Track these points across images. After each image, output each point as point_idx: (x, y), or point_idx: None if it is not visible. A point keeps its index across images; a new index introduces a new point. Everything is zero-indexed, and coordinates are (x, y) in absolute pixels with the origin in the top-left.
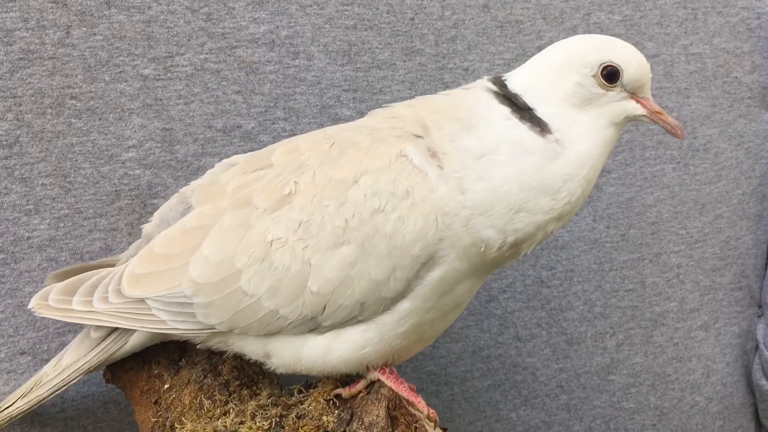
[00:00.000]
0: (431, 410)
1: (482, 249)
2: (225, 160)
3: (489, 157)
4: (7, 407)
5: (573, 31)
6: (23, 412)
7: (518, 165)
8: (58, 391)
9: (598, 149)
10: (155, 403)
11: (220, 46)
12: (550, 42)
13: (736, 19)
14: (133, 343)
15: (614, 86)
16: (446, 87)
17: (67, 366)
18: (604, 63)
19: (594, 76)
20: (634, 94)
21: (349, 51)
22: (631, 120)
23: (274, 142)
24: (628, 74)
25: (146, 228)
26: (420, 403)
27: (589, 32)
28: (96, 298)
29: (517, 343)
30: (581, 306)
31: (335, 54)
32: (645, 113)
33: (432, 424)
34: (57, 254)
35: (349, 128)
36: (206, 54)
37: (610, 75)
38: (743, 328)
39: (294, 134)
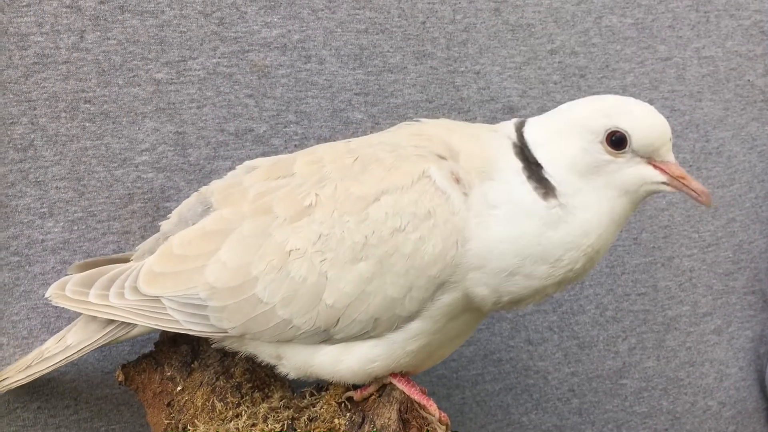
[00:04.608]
0: (443, 413)
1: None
2: (247, 162)
3: (493, 211)
4: (5, 378)
5: (584, 34)
6: (23, 383)
7: (516, 227)
8: (60, 367)
9: (605, 219)
10: (168, 405)
11: (233, 50)
12: (562, 45)
13: (749, 22)
14: (140, 328)
15: (623, 153)
16: (457, 90)
17: (71, 345)
18: (610, 129)
19: (601, 143)
20: (650, 158)
21: (361, 55)
22: (652, 192)
23: (285, 146)
24: (636, 140)
25: (164, 225)
26: (431, 406)
27: (600, 35)
28: (112, 293)
29: (528, 347)
30: (593, 310)
31: (347, 58)
32: (664, 180)
33: (443, 427)
34: (71, 257)
35: (371, 144)
36: (219, 58)
37: (617, 141)
38: (756, 332)
39: (306, 138)
